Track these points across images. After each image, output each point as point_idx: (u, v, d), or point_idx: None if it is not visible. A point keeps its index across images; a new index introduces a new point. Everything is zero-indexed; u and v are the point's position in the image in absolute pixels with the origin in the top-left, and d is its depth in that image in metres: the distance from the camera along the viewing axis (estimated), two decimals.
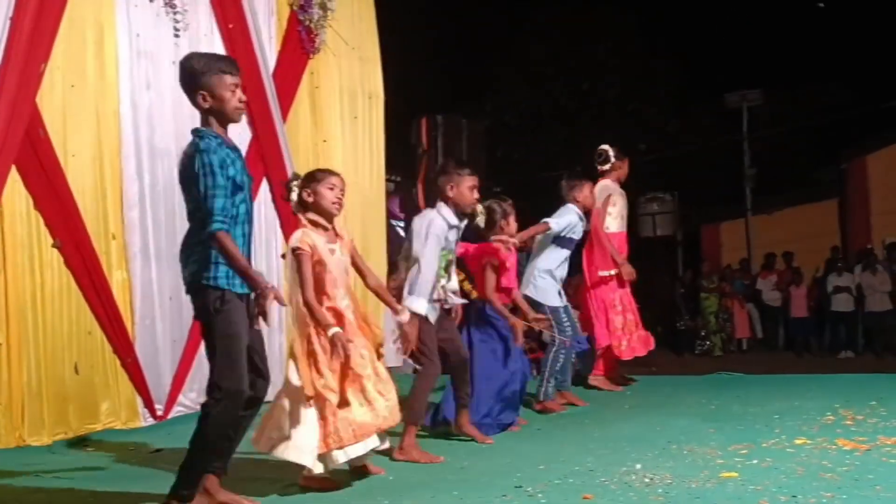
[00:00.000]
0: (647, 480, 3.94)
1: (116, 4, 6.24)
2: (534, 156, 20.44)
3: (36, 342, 5.49)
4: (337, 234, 4.33)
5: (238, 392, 3.67)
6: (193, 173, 3.61)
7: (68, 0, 5.76)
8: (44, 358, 5.51)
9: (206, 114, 3.74)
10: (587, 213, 6.66)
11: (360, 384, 4.13)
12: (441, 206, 5.00)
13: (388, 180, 9.38)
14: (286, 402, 4.16)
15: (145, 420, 6.14)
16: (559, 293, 6.41)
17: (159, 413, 6.23)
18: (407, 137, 9.94)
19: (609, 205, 7.04)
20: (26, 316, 5.46)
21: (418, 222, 4.98)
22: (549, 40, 21.87)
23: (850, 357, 13.66)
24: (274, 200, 7.28)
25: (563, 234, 6.40)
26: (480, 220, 5.43)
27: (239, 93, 3.75)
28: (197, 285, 3.70)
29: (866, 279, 13.77)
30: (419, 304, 4.77)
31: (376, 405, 4.14)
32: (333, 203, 4.28)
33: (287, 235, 7.44)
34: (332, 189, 4.29)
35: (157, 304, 6.33)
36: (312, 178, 4.34)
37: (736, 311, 15.53)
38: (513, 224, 5.73)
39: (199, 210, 3.65)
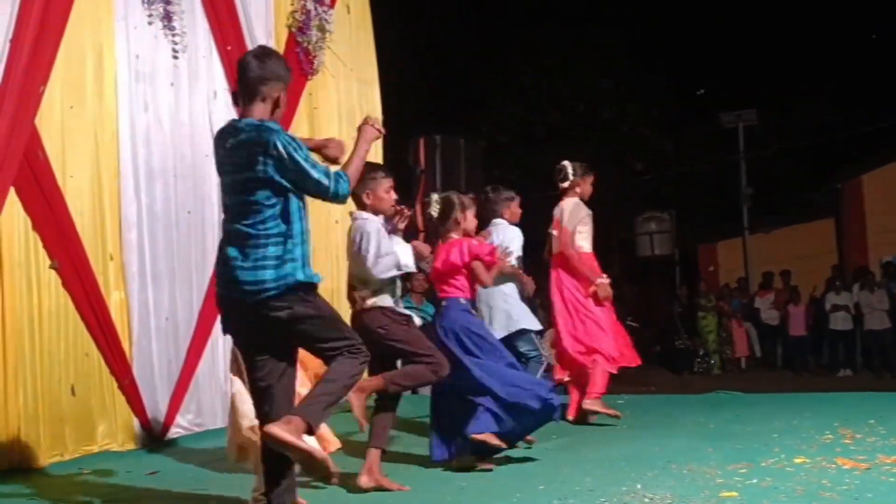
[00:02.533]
0: (646, 501, 3.93)
1: (116, 26, 6.26)
2: (529, 176, 20.47)
3: (33, 364, 5.46)
4: None
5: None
6: (278, 152, 3.42)
7: (68, 22, 5.78)
8: (40, 380, 5.48)
9: (268, 106, 3.61)
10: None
11: None
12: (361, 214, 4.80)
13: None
14: None
15: (142, 442, 6.11)
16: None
17: (156, 435, 6.19)
18: (405, 158, 9.98)
19: (580, 224, 6.54)
20: (23, 337, 5.44)
21: (353, 233, 4.79)
22: (543, 62, 21.98)
23: (849, 375, 13.67)
24: None
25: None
26: (434, 210, 5.27)
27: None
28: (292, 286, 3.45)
29: (864, 298, 13.80)
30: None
31: None
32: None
33: None
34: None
35: (154, 325, 6.32)
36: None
37: (734, 329, 15.53)
38: (471, 219, 5.36)
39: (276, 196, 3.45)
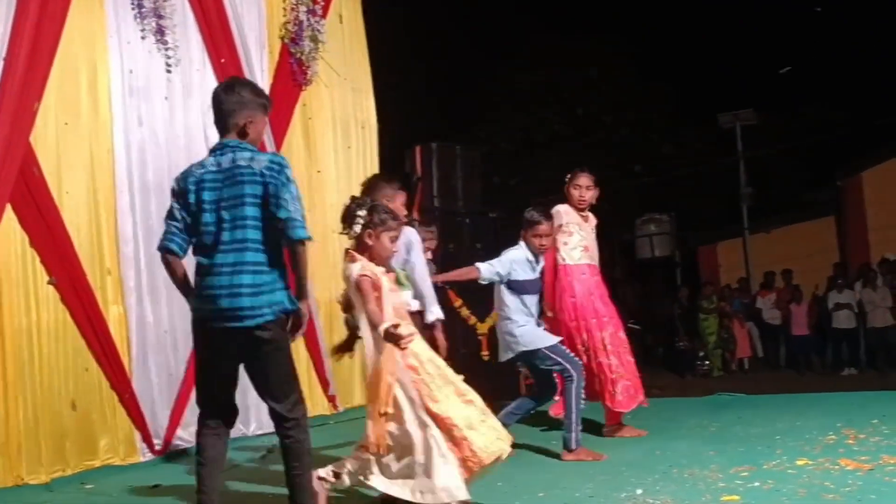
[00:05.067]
0: None
1: (109, 42, 6.28)
2: (530, 182, 20.49)
3: (33, 380, 5.47)
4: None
5: None
6: (281, 182, 3.63)
7: (61, 38, 5.80)
8: (41, 395, 5.49)
9: (237, 135, 3.82)
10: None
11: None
12: None
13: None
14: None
15: (144, 455, 6.12)
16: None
17: (157, 448, 6.20)
18: (401, 166, 9.98)
19: (560, 233, 6.07)
20: (23, 354, 5.45)
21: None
22: (541, 66, 22.00)
23: (853, 374, 13.62)
24: None
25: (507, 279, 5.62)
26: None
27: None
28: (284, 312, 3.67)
29: (867, 295, 13.77)
30: (436, 308, 4.88)
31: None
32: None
33: None
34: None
35: (153, 339, 6.32)
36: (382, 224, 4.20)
37: (736, 330, 15.50)
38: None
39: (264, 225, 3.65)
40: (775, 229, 19.71)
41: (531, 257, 5.57)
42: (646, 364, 7.24)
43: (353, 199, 4.31)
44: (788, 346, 15.13)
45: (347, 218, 4.17)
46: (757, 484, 4.22)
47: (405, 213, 4.85)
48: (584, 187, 6.22)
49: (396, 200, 4.84)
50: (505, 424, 4.60)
